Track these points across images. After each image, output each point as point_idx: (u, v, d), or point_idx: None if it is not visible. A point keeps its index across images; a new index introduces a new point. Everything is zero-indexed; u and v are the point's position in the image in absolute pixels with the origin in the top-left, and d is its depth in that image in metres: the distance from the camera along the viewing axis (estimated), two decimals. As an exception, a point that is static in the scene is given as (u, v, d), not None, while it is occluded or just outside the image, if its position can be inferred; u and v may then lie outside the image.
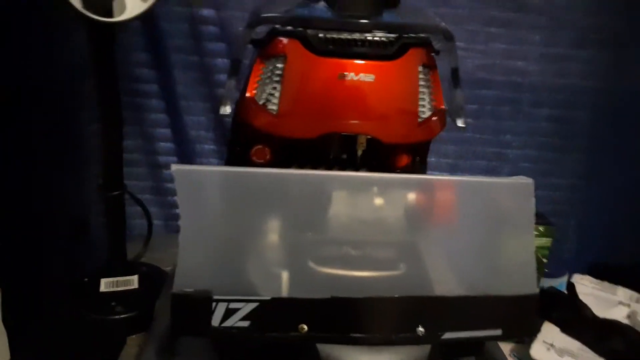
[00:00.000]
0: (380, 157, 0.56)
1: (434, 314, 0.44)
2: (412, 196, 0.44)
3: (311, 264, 0.45)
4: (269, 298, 0.42)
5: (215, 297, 0.42)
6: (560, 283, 0.80)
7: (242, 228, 0.43)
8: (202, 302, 0.42)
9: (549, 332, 0.72)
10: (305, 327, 0.43)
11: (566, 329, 0.72)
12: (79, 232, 0.77)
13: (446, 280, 0.45)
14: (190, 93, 0.86)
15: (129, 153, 0.83)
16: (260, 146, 0.57)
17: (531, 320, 0.45)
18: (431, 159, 0.66)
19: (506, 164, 0.92)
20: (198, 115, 0.87)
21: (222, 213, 0.42)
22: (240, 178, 0.42)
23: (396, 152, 0.58)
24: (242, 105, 0.53)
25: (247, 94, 0.51)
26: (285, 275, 0.44)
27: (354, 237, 0.46)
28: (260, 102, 0.51)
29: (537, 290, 0.44)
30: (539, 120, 0.90)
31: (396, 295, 0.43)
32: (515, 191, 0.43)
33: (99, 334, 0.65)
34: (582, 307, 0.72)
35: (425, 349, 0.45)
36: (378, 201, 0.45)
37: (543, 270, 0.73)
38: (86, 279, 0.72)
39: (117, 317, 0.67)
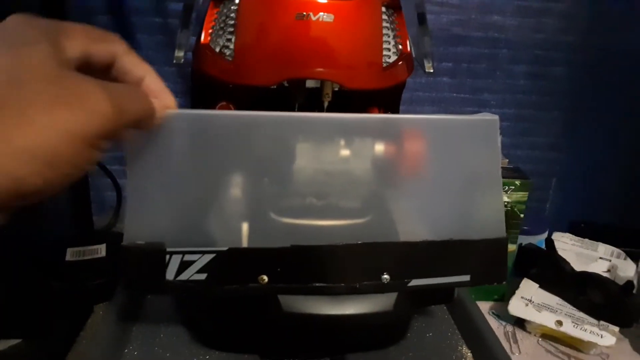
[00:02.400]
0: (348, 109, 0.54)
1: (399, 260, 0.42)
2: (376, 136, 0.42)
3: (272, 215, 0.43)
4: (226, 249, 0.40)
5: (169, 249, 0.40)
6: (539, 241, 0.78)
7: (196, 175, 0.41)
8: (155, 255, 0.40)
9: (528, 288, 0.71)
10: (266, 278, 0.41)
11: (545, 284, 0.71)
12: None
13: (412, 226, 0.43)
14: (156, 57, 0.82)
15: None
16: (224, 102, 0.54)
17: (500, 266, 0.43)
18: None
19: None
20: (165, 80, 0.83)
21: (174, 159, 0.40)
22: (193, 120, 0.40)
23: (365, 104, 0.56)
24: (197, 53, 0.50)
25: (202, 41, 0.48)
26: (244, 226, 0.42)
27: (317, 185, 0.44)
28: (217, 50, 0.49)
29: (505, 234, 0.43)
30: (517, 78, 0.88)
31: (359, 242, 0.41)
32: (481, 128, 0.41)
33: (64, 303, 0.63)
34: (561, 262, 0.70)
35: (392, 297, 0.43)
36: (342, 145, 0.43)
37: (520, 226, 0.71)
38: (52, 249, 0.70)
39: (82, 285, 0.65)
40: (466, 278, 0.43)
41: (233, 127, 0.41)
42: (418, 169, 0.42)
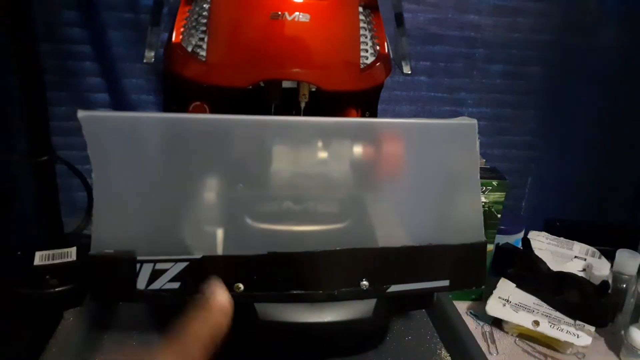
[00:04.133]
0: (326, 111, 0.53)
1: (378, 266, 0.41)
2: (354, 139, 0.41)
3: (248, 220, 0.42)
4: (199, 257, 0.39)
5: (140, 257, 0.38)
6: (516, 240, 0.79)
7: (168, 180, 0.39)
8: (124, 264, 0.38)
9: (505, 288, 0.71)
10: (242, 286, 0.40)
11: (522, 284, 0.71)
12: (3, 204, 0.71)
13: (390, 230, 0.42)
14: (127, 54, 0.80)
15: (65, 121, 0.78)
16: (198, 103, 0.53)
17: (479, 270, 0.43)
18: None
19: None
20: (137, 78, 0.81)
21: (144, 163, 0.38)
22: (164, 124, 0.38)
23: (342, 105, 0.55)
24: (168, 53, 0.48)
25: (173, 40, 0.47)
26: (219, 232, 0.41)
27: (294, 189, 0.43)
28: (189, 49, 0.47)
29: (484, 239, 0.42)
30: (493, 77, 0.88)
31: (337, 248, 0.40)
32: (459, 132, 0.40)
33: (33, 309, 0.60)
34: (538, 262, 0.71)
35: (371, 303, 0.43)
36: (319, 148, 0.42)
37: (497, 226, 0.71)
38: (19, 253, 0.67)
39: (51, 290, 0.62)
40: (445, 283, 0.42)
41: (206, 130, 0.40)
42: (396, 173, 0.42)
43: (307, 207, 0.43)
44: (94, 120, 0.36)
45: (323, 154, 0.41)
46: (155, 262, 0.38)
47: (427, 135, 0.40)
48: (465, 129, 0.40)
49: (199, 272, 0.39)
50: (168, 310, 0.50)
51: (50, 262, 0.66)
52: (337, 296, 0.41)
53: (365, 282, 0.41)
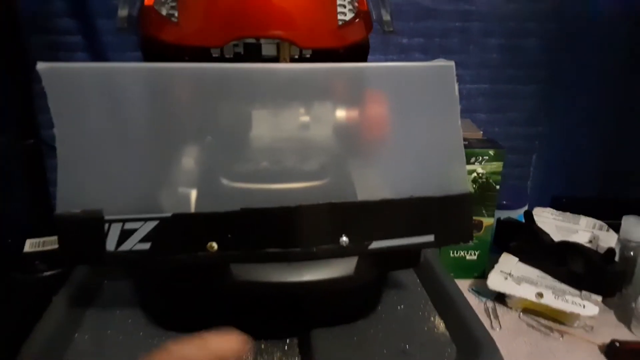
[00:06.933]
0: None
1: (358, 221, 0.39)
2: (330, 89, 0.39)
3: (223, 180, 0.41)
4: (169, 215, 0.37)
5: (108, 217, 0.37)
6: (519, 215, 0.76)
7: (136, 134, 0.38)
8: (92, 224, 0.37)
9: (507, 262, 0.69)
10: (215, 245, 0.38)
11: (524, 257, 0.68)
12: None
13: (370, 185, 0.40)
14: (118, 42, 0.80)
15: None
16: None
17: (465, 223, 0.41)
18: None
19: (460, 99, 0.88)
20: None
21: (111, 115, 0.37)
22: (133, 74, 0.37)
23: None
24: (142, 17, 0.47)
25: (145, 2, 0.46)
26: (191, 191, 0.39)
27: (269, 143, 0.41)
28: (164, 12, 0.46)
29: (469, 190, 0.40)
30: (490, 51, 0.85)
31: (314, 203, 0.38)
32: (437, 75, 0.38)
33: (21, 294, 0.60)
34: (541, 234, 0.68)
35: (352, 262, 0.41)
36: (295, 99, 0.40)
37: (497, 198, 0.69)
38: (9, 240, 0.66)
39: (39, 275, 0.62)
40: (430, 238, 0.40)
41: (180, 80, 0.38)
42: (374, 123, 0.40)
43: (284, 165, 0.42)
44: (56, 72, 0.35)
45: (299, 106, 0.40)
46: (124, 221, 0.37)
47: (404, 78, 0.39)
48: (443, 71, 0.38)
49: (170, 231, 0.37)
50: (142, 282, 0.49)
51: (41, 248, 0.66)
52: (315, 254, 0.39)
53: (345, 239, 0.39)
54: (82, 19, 0.79)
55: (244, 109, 0.40)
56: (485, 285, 0.66)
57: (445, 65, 0.38)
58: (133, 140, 0.38)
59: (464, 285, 0.71)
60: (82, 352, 0.44)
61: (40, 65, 0.35)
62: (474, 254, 0.70)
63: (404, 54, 0.83)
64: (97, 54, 0.81)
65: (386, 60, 0.83)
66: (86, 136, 0.37)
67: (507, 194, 0.75)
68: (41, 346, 0.43)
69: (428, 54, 0.85)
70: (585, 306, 0.60)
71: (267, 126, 0.41)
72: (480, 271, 0.72)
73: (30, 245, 0.66)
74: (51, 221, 0.69)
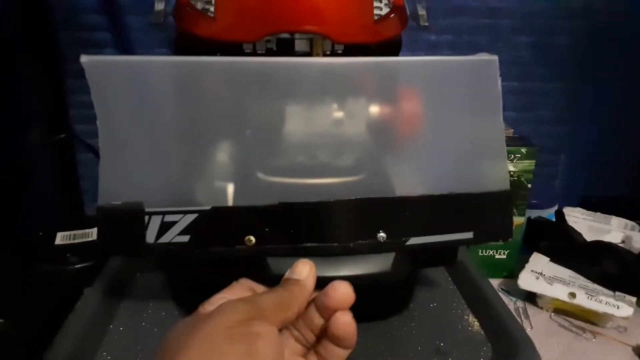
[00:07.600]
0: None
1: (396, 217, 0.39)
2: (368, 83, 0.39)
3: (260, 174, 0.41)
4: (209, 208, 0.38)
5: (148, 209, 0.37)
6: (549, 215, 0.75)
7: (178, 128, 0.38)
8: (133, 216, 0.37)
9: (538, 262, 0.68)
10: (253, 239, 0.38)
11: (556, 257, 0.67)
12: (20, 184, 0.72)
13: (409, 180, 0.40)
14: (147, 40, 0.80)
15: (87, 109, 0.79)
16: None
17: (505, 220, 0.40)
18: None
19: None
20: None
21: (153, 110, 0.37)
22: (175, 68, 0.37)
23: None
24: (178, 13, 0.47)
25: (182, -2, 0.46)
26: (230, 184, 0.39)
27: (307, 137, 0.41)
28: (199, 7, 0.46)
29: (509, 187, 0.39)
30: (519, 49, 0.84)
31: (352, 198, 0.38)
32: (479, 69, 0.38)
33: (52, 286, 0.60)
34: (573, 233, 0.67)
35: (389, 258, 0.40)
36: (333, 95, 0.40)
37: (528, 197, 0.68)
38: (41, 233, 0.67)
39: (71, 267, 0.62)
40: (469, 235, 0.40)
41: (219, 75, 0.38)
42: (414, 119, 0.39)
43: (320, 160, 0.42)
44: (100, 64, 0.35)
45: (337, 101, 0.40)
46: (164, 214, 0.37)
47: (445, 73, 0.38)
48: (485, 66, 0.37)
49: (209, 224, 0.38)
50: (178, 274, 0.49)
51: (72, 241, 0.67)
52: (352, 249, 0.38)
53: (382, 234, 0.39)
54: (111, 15, 0.79)
55: (281, 103, 0.40)
56: (515, 285, 0.65)
57: (488, 59, 0.37)
58: (172, 133, 0.38)
59: (492, 284, 0.70)
60: (117, 343, 0.44)
61: (84, 58, 0.35)
62: (504, 253, 0.70)
63: (432, 50, 0.82)
64: (126, 51, 0.81)
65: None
66: (127, 129, 0.37)
67: (536, 193, 0.74)
68: (76, 337, 0.43)
69: (456, 51, 0.84)
70: (619, 307, 0.58)
71: (303, 121, 0.40)
72: (509, 271, 0.71)
73: (61, 238, 0.67)
74: (81, 215, 0.70)
